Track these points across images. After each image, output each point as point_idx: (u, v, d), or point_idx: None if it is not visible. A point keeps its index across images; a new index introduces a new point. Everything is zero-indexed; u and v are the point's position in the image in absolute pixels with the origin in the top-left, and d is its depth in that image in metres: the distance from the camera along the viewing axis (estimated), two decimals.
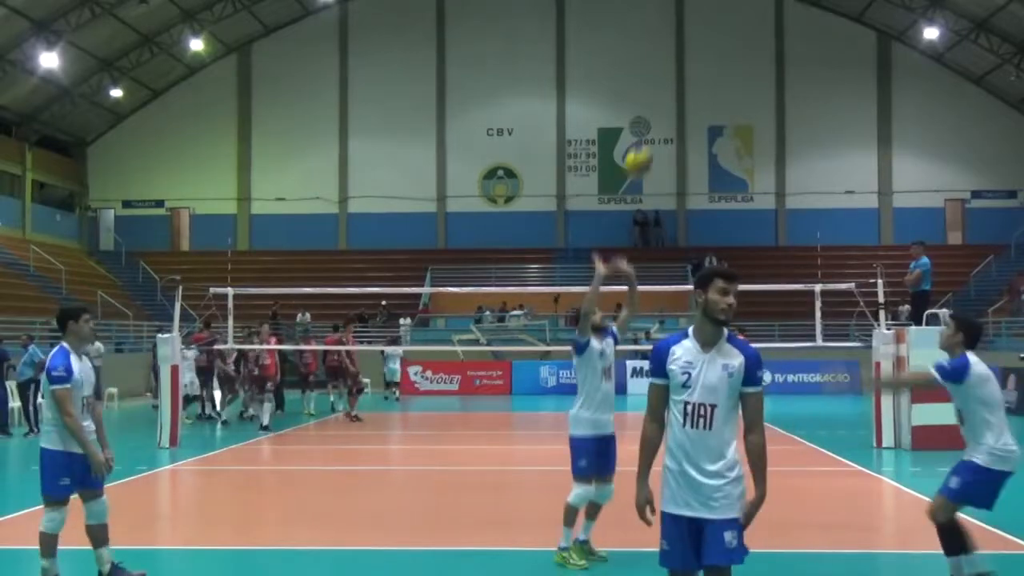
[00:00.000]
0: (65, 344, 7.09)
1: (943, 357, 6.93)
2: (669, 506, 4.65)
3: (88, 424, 7.05)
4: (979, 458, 6.69)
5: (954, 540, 6.72)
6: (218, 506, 11.73)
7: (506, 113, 41.88)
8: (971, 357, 6.82)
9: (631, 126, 41.87)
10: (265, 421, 18.62)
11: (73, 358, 6.99)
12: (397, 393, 27.66)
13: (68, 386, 6.87)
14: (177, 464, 14.37)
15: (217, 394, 21.17)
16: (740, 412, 4.65)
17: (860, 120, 41.16)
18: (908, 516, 10.73)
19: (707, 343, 4.70)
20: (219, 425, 19.40)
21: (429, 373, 30.46)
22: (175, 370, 16.32)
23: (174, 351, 16.39)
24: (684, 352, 4.69)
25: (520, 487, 12.46)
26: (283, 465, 15.10)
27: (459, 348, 29.03)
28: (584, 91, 41.84)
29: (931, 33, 37.62)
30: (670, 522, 4.62)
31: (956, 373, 6.74)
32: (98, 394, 24.92)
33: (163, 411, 16.05)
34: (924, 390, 6.98)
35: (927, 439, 14.66)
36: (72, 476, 7.15)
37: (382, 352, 27.19)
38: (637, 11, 41.31)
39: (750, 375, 4.61)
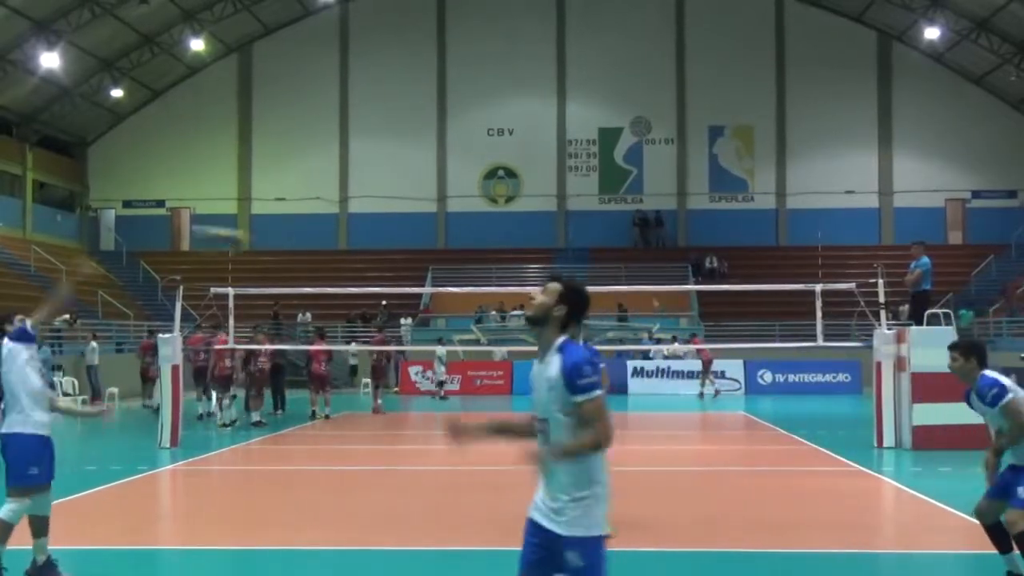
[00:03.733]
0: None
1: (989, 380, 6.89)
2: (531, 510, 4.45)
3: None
4: None
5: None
6: (218, 506, 11.72)
7: (506, 113, 41.88)
8: (990, 373, 6.89)
9: (631, 126, 41.87)
10: (226, 420, 19.05)
11: None
12: (443, 392, 28.11)
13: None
14: (177, 464, 14.36)
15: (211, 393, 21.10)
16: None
17: (860, 120, 41.15)
18: (908, 516, 10.74)
19: (540, 353, 4.48)
20: (223, 426, 19.32)
21: (430, 373, 30.43)
22: (176, 370, 16.31)
23: (175, 351, 16.38)
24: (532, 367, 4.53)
25: (520, 487, 12.43)
26: (283, 465, 15.09)
27: (460, 348, 29.07)
28: (584, 91, 41.83)
29: (931, 33, 37.61)
30: (527, 525, 4.43)
31: (1004, 388, 6.74)
32: (96, 392, 24.96)
33: (163, 411, 16.04)
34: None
35: (928, 439, 14.66)
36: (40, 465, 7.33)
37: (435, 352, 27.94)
38: (638, 11, 41.30)
39: (569, 384, 4.28)
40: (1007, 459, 6.94)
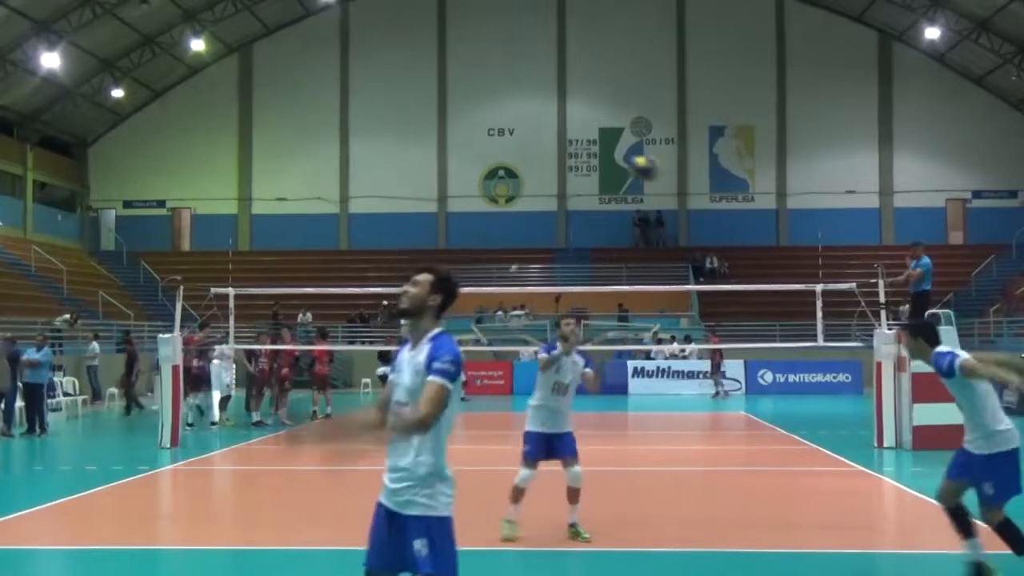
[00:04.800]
0: None
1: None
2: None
3: None
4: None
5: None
6: (218, 506, 11.73)
7: (507, 113, 41.88)
8: (944, 350, 6.89)
9: (632, 126, 41.87)
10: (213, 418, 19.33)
11: None
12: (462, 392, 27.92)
13: None
14: (178, 464, 14.36)
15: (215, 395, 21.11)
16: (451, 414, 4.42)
17: (861, 120, 41.14)
18: (909, 516, 10.73)
19: (412, 342, 4.53)
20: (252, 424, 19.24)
21: None
22: (176, 370, 16.31)
23: (175, 351, 16.39)
24: (401, 353, 4.58)
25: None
26: (283, 465, 15.08)
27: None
28: (585, 91, 41.84)
29: (932, 33, 37.60)
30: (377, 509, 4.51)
31: (950, 368, 6.73)
32: (97, 392, 24.95)
33: (163, 411, 16.04)
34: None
35: (928, 439, 14.65)
36: None
37: None
38: (638, 11, 41.31)
39: (427, 365, 4.33)
40: (968, 438, 6.94)
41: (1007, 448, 6.81)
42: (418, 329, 4.51)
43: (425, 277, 4.58)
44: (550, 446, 8.75)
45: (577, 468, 8.69)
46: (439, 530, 4.37)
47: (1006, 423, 6.90)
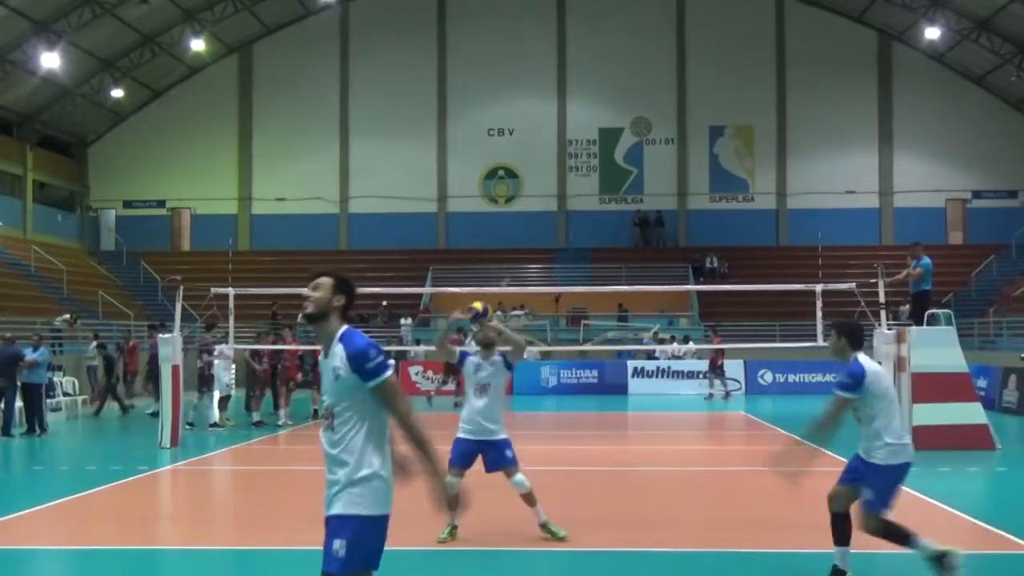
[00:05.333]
0: None
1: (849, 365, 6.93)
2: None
3: None
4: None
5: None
6: (218, 506, 11.73)
7: (507, 113, 41.87)
8: (861, 358, 6.90)
9: (632, 126, 41.87)
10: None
11: None
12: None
13: None
14: (177, 464, 14.36)
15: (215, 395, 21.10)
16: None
17: (861, 120, 41.14)
18: (908, 516, 10.70)
19: (324, 348, 4.55)
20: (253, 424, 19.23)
21: (430, 373, 30.43)
22: (176, 370, 16.30)
23: (175, 351, 16.38)
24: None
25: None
26: (283, 465, 15.09)
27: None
28: (585, 91, 41.83)
29: (932, 33, 37.60)
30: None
31: (856, 381, 6.75)
32: (97, 393, 24.84)
33: (163, 411, 16.04)
34: (834, 423, 6.96)
35: (927, 439, 14.64)
36: None
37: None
38: (638, 11, 41.30)
39: (358, 371, 4.36)
40: (861, 444, 6.94)
41: (898, 462, 6.83)
42: (325, 332, 4.51)
43: (325, 280, 4.56)
44: (482, 454, 8.50)
45: (518, 476, 8.44)
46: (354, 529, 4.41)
47: (905, 438, 6.91)
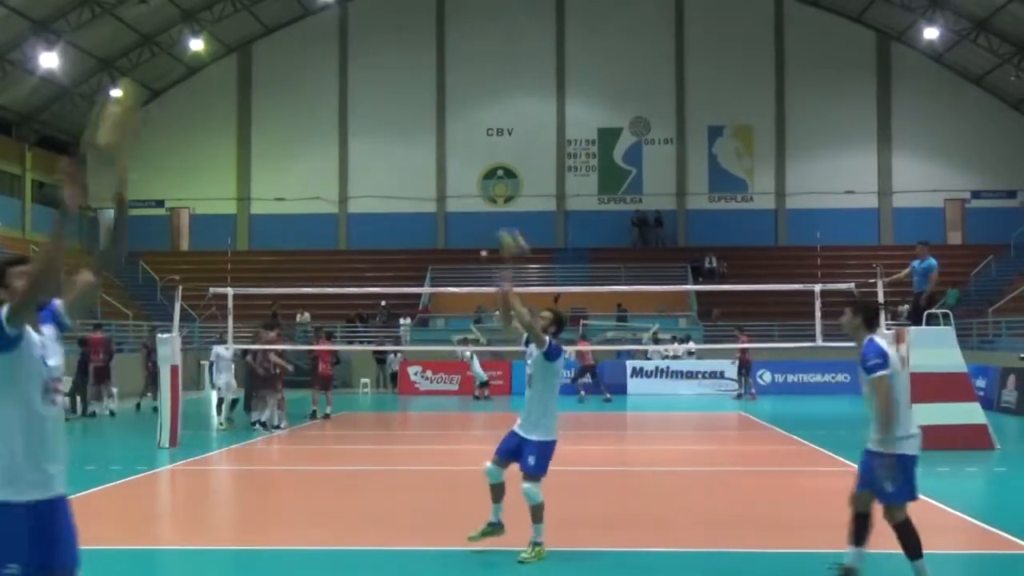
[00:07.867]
0: None
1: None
2: None
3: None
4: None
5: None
6: (218, 506, 11.73)
7: (506, 113, 41.86)
8: (877, 339, 6.86)
9: (631, 126, 41.87)
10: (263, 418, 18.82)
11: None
12: (487, 392, 27.74)
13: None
14: (177, 464, 14.35)
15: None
16: None
17: (860, 120, 41.14)
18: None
19: None
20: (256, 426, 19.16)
21: (429, 373, 30.46)
22: (175, 370, 16.30)
23: (174, 351, 16.37)
24: None
25: (518, 488, 12.42)
26: (283, 465, 15.09)
27: (459, 348, 29.03)
28: (584, 91, 41.83)
29: (931, 33, 37.60)
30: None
31: (883, 357, 6.68)
32: (96, 393, 24.73)
33: (163, 411, 16.03)
34: (891, 403, 6.88)
35: (927, 439, 14.59)
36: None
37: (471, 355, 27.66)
38: (637, 11, 41.30)
39: None
40: (870, 441, 6.88)
41: (909, 453, 6.80)
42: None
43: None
44: (518, 449, 8.06)
45: (525, 486, 7.89)
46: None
47: (913, 430, 6.85)
